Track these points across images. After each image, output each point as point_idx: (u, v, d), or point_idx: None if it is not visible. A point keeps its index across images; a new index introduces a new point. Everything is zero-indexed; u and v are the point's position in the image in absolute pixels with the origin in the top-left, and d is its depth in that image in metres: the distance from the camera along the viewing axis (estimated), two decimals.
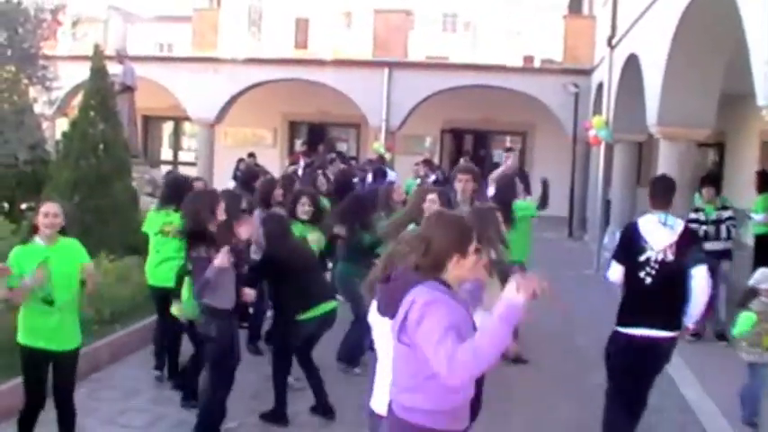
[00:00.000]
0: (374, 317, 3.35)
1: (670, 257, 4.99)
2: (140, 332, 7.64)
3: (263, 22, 27.32)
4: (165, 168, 21.46)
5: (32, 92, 12.08)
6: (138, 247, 8.97)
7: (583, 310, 10.37)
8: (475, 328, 2.97)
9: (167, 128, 26.09)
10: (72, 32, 15.69)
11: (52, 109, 13.53)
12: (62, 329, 4.73)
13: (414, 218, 5.99)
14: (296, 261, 5.81)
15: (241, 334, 6.25)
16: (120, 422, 5.83)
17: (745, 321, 5.93)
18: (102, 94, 10.07)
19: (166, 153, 26.07)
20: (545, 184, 7.99)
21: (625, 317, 5.11)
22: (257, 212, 7.25)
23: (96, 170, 9.43)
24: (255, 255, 6.59)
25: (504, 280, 2.91)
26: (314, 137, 22.56)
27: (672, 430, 6.31)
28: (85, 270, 4.85)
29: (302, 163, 14.26)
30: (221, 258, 4.94)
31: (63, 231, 4.81)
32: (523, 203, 7.71)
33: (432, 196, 6.12)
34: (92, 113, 9.90)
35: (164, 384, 6.65)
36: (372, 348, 3.52)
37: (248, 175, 9.94)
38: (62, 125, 15.07)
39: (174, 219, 6.24)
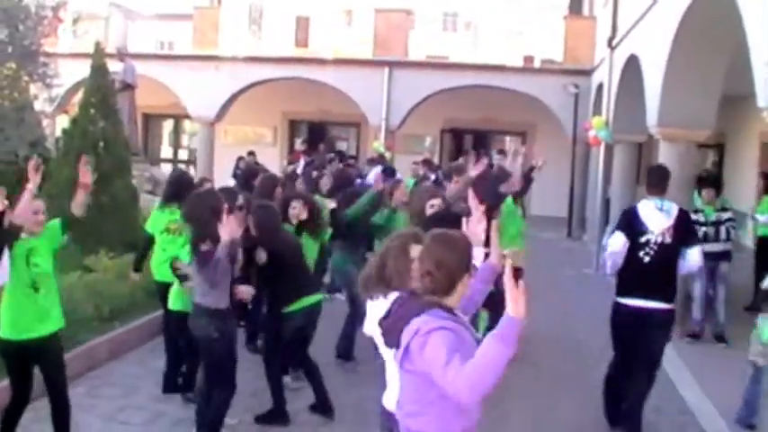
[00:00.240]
0: (373, 328, 3.37)
1: (668, 240, 5.56)
2: (140, 329, 7.65)
3: (264, 21, 27.31)
4: (164, 166, 21.52)
5: (33, 89, 12.08)
6: (138, 245, 8.99)
7: (582, 309, 10.39)
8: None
9: (167, 126, 26.10)
10: (73, 30, 15.71)
11: (53, 106, 13.53)
12: (46, 312, 4.74)
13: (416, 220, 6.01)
14: (286, 253, 5.80)
15: (240, 333, 6.26)
16: (120, 419, 5.84)
17: None
18: (103, 91, 10.08)
19: (166, 151, 26.08)
20: (530, 169, 8.04)
21: (623, 289, 5.71)
22: None
23: (96, 168, 9.41)
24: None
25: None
26: (314, 136, 22.56)
27: (671, 431, 6.32)
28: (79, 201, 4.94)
29: (302, 162, 14.24)
30: (227, 229, 4.75)
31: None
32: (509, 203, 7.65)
33: (435, 201, 6.08)
34: (92, 111, 9.92)
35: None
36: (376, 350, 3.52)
37: (248, 173, 9.93)
38: (62, 122, 15.09)
39: (179, 216, 6.25)
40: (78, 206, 4.99)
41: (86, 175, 5.01)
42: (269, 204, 6.21)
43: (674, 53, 8.60)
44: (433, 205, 5.89)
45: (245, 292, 5.50)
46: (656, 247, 5.55)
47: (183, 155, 25.43)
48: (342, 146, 23.40)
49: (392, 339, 3.05)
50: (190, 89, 20.50)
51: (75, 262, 8.56)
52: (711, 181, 8.90)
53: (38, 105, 12.51)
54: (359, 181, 11.95)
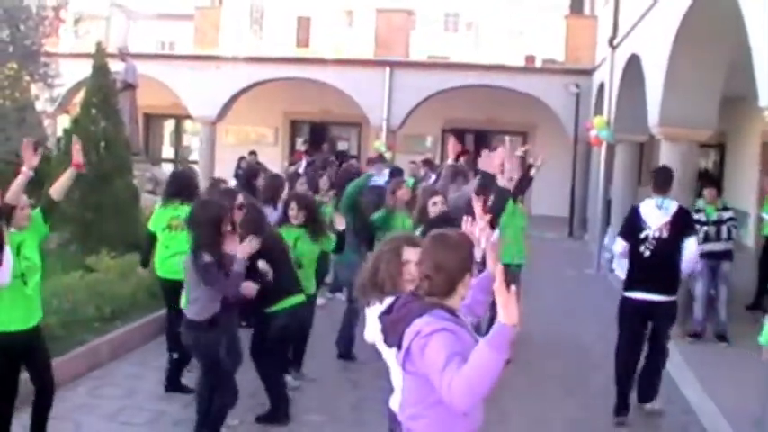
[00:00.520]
0: (373, 335, 3.36)
1: (665, 235, 6.02)
2: (141, 329, 7.64)
3: (265, 21, 27.34)
4: (165, 166, 21.53)
5: (34, 89, 12.10)
6: (139, 245, 9.00)
7: (584, 309, 10.39)
8: None
9: (168, 126, 26.11)
10: (74, 30, 15.71)
11: (54, 106, 13.56)
12: (33, 304, 4.77)
13: (419, 216, 6.01)
14: (272, 252, 5.79)
15: (241, 333, 6.25)
16: (120, 419, 5.83)
17: None
18: (104, 91, 10.08)
19: (167, 151, 26.09)
20: (528, 168, 8.01)
21: (628, 283, 6.20)
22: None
23: (97, 168, 9.44)
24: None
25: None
26: (315, 136, 22.56)
27: (673, 431, 6.31)
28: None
29: (304, 162, 14.25)
30: (245, 248, 4.92)
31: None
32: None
33: (436, 198, 6.08)
34: (93, 111, 9.92)
35: (164, 381, 6.64)
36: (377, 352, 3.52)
37: (249, 173, 9.95)
38: (63, 122, 15.11)
39: (181, 212, 6.30)
40: (60, 189, 5.04)
41: (78, 156, 5.08)
42: (254, 203, 6.25)
43: (675, 52, 8.59)
44: (435, 203, 5.89)
45: (249, 287, 5.47)
46: (654, 242, 6.03)
47: (170, 154, 25.50)
48: (343, 146, 23.42)
49: (393, 339, 3.04)
50: (191, 89, 20.50)
51: (76, 262, 8.57)
52: (712, 180, 8.90)
53: (39, 105, 12.53)
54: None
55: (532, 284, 9.26)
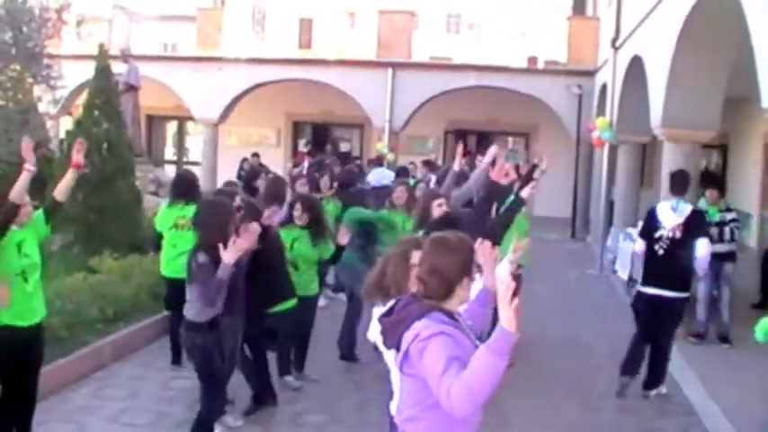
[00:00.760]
0: (376, 334, 3.36)
1: (678, 235, 6.45)
2: (144, 330, 7.65)
3: (267, 22, 27.36)
4: (168, 167, 21.54)
5: (37, 91, 12.13)
6: (142, 246, 9.02)
7: (586, 310, 10.38)
8: None
9: (171, 127, 26.13)
10: (77, 31, 15.76)
11: (56, 108, 13.55)
12: (33, 301, 4.78)
13: (421, 215, 6.01)
14: (268, 254, 5.79)
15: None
16: (123, 421, 5.84)
17: None
18: (107, 93, 10.10)
19: (170, 152, 26.11)
20: (532, 168, 7.96)
21: (644, 279, 6.67)
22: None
23: (100, 169, 9.46)
24: None
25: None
26: (318, 137, 22.56)
27: (675, 431, 6.32)
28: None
29: (306, 164, 14.25)
30: (230, 254, 4.71)
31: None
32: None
33: (440, 200, 6.07)
34: (96, 113, 9.94)
35: (167, 383, 6.66)
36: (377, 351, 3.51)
37: (252, 174, 9.96)
38: (66, 124, 15.14)
39: (187, 212, 6.36)
40: (63, 190, 5.07)
41: (79, 156, 5.11)
42: (250, 203, 6.26)
43: (678, 53, 8.58)
44: (440, 204, 5.87)
45: (253, 228, 5.19)
46: (668, 242, 6.48)
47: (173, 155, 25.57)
48: (345, 147, 23.42)
49: (391, 341, 3.03)
50: (193, 91, 20.51)
51: (79, 263, 8.59)
52: (715, 181, 8.89)
53: (42, 107, 12.55)
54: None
55: (535, 285, 9.25)
